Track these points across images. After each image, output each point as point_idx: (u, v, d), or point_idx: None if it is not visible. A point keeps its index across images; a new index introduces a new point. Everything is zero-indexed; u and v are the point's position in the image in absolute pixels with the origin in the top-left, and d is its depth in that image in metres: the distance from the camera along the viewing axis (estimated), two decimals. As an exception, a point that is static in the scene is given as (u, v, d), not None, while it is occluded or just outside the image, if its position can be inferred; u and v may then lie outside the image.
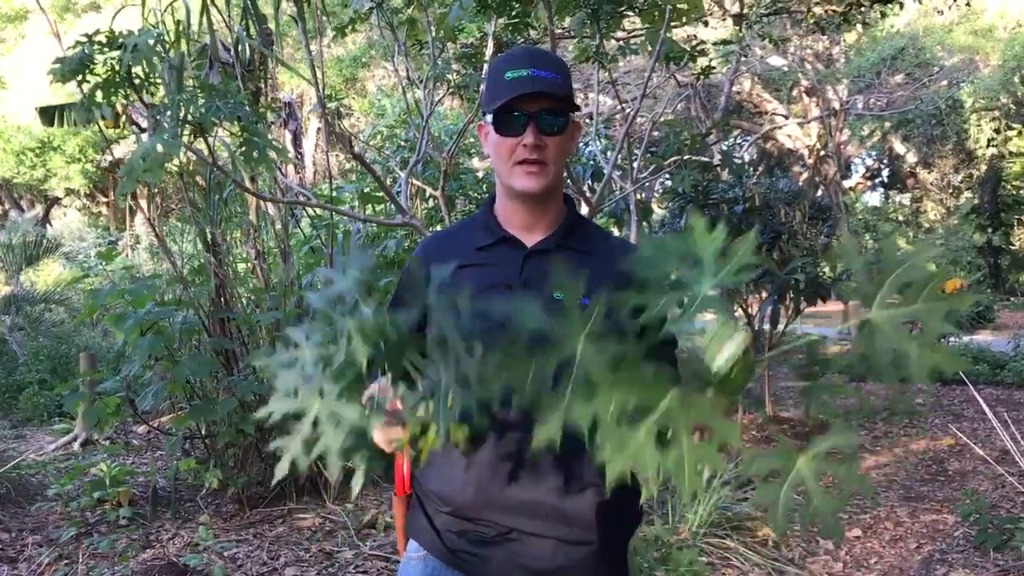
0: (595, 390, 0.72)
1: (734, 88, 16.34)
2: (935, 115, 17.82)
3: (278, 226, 4.70)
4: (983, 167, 17.84)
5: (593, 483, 1.27)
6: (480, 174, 7.03)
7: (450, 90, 4.66)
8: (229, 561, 3.55)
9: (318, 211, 4.95)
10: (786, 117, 18.85)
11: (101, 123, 4.29)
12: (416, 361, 0.88)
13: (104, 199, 20.56)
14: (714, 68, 4.70)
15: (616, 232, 6.27)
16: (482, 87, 1.36)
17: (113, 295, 4.17)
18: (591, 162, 5.68)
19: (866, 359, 0.68)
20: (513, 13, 3.66)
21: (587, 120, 6.45)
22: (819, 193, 18.54)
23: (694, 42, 4.13)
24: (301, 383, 0.85)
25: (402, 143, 7.13)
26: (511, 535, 1.26)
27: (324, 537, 3.88)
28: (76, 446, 5.76)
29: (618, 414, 0.72)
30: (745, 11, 6.24)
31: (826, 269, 5.82)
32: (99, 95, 2.36)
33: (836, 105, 17.94)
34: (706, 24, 5.01)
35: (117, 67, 2.32)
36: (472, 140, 6.18)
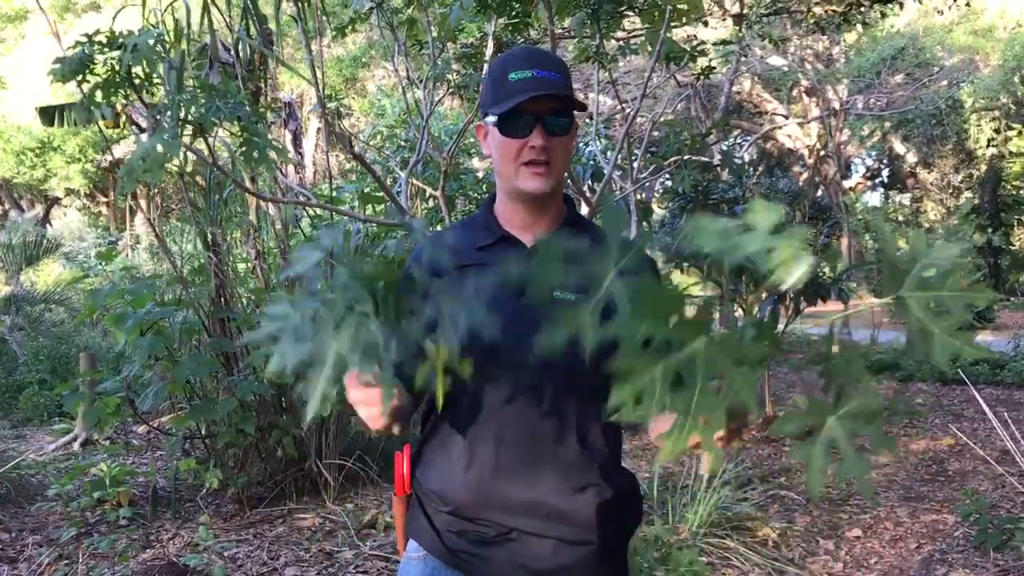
0: (624, 315, 0.72)
1: (734, 88, 16.35)
2: (935, 115, 17.83)
3: (278, 226, 4.70)
4: (983, 167, 17.84)
5: (593, 483, 1.27)
6: (480, 174, 7.04)
7: (450, 90, 4.67)
8: (229, 561, 3.55)
9: (318, 211, 4.95)
10: (786, 117, 18.86)
11: (101, 123, 4.29)
12: (415, 303, 0.90)
13: (104, 199, 20.57)
14: (714, 68, 4.70)
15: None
16: (482, 87, 1.36)
17: (113, 295, 4.17)
18: (591, 162, 5.68)
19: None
20: (513, 13, 3.66)
21: (587, 120, 6.44)
22: (819, 193, 18.56)
23: (694, 42, 4.13)
24: (304, 330, 0.88)
25: (402, 143, 7.13)
26: (511, 535, 1.26)
27: (324, 537, 3.88)
28: (76, 446, 5.76)
29: (641, 343, 0.71)
30: (745, 11, 6.24)
31: (826, 269, 5.82)
32: (99, 95, 2.36)
33: (836, 105, 17.95)
34: (706, 24, 5.02)
35: (117, 67, 2.32)
36: (472, 140, 6.18)
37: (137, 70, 2.39)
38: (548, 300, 1.26)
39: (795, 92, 19.27)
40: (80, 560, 3.48)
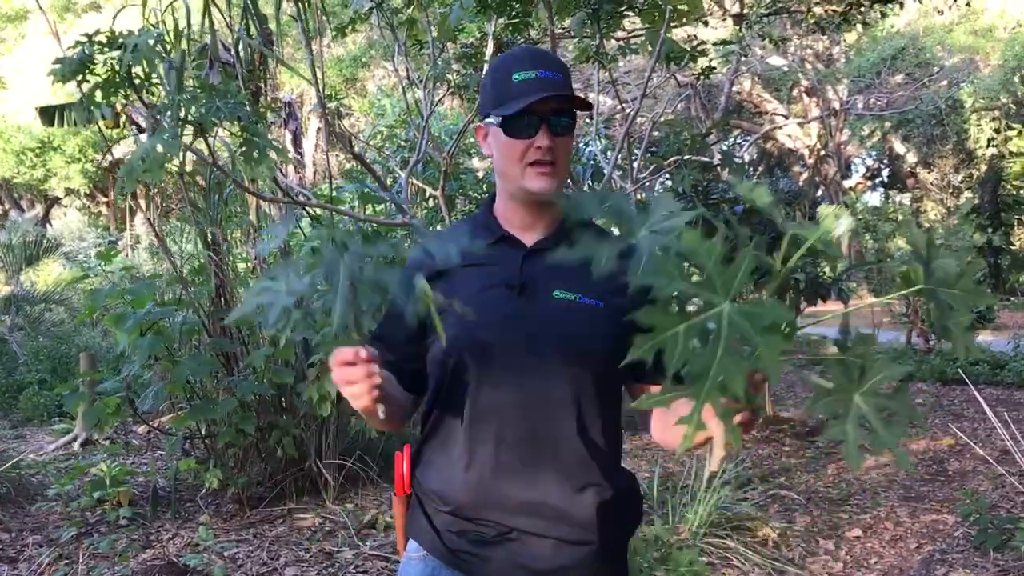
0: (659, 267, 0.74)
1: (734, 88, 16.34)
2: (935, 115, 17.82)
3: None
4: (983, 167, 17.84)
5: (593, 483, 1.27)
6: (480, 174, 7.04)
7: (450, 90, 4.67)
8: (229, 561, 3.55)
9: (318, 211, 4.95)
10: (786, 117, 18.86)
11: (101, 123, 4.28)
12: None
13: (104, 199, 20.56)
14: (714, 68, 4.70)
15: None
16: (481, 88, 1.36)
17: (113, 295, 4.17)
18: (591, 162, 5.68)
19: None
20: (513, 13, 3.66)
21: (587, 120, 6.44)
22: (819, 193, 18.56)
23: (694, 42, 4.13)
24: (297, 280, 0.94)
25: (402, 143, 7.13)
26: (511, 535, 1.26)
27: (324, 537, 3.88)
28: (76, 446, 5.76)
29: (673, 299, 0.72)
30: (745, 11, 6.25)
31: (826, 269, 5.82)
32: (99, 95, 2.36)
33: (836, 105, 17.95)
34: (706, 24, 5.02)
35: (117, 67, 2.32)
36: (472, 140, 6.18)
37: (137, 70, 2.39)
38: (548, 299, 1.27)
39: (795, 92, 19.27)
40: (80, 560, 3.48)
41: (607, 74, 4.06)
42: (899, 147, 19.80)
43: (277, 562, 3.57)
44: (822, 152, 18.82)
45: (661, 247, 0.77)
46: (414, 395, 1.39)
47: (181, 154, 2.41)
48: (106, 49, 2.31)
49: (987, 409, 3.27)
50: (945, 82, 18.19)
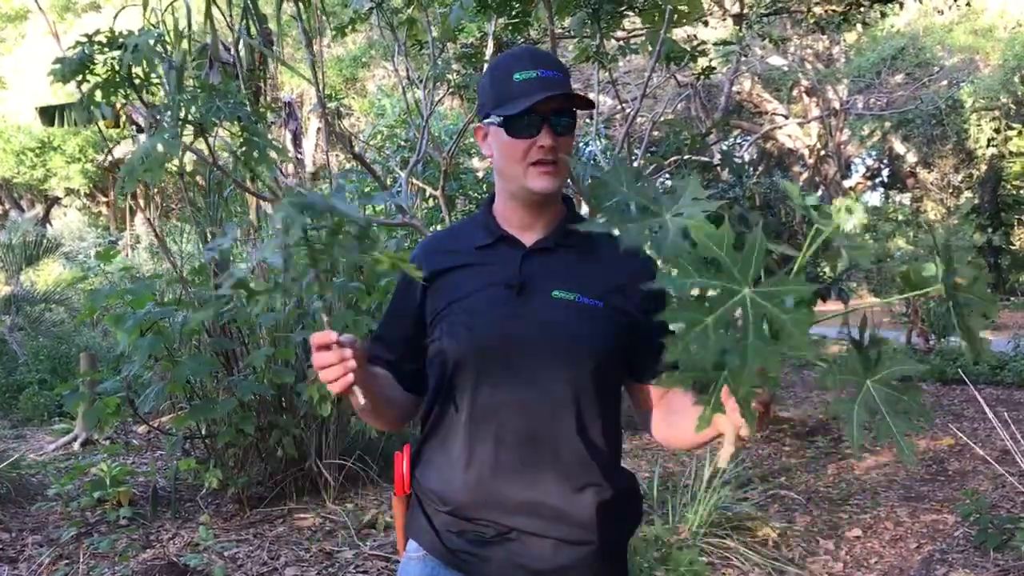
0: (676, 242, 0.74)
1: (734, 88, 16.34)
2: (935, 115, 17.81)
3: (278, 226, 4.69)
4: (983, 167, 17.83)
5: (593, 483, 1.27)
6: (480, 174, 7.04)
7: (450, 90, 4.67)
8: (229, 561, 3.55)
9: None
10: (786, 117, 18.85)
11: (101, 123, 4.28)
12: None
13: (104, 199, 20.57)
14: (714, 68, 4.70)
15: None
16: (481, 88, 1.36)
17: (113, 295, 4.17)
18: (591, 162, 5.68)
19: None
20: (513, 13, 3.66)
21: (587, 120, 6.44)
22: (819, 193, 18.54)
23: (694, 42, 4.13)
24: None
25: (402, 143, 7.14)
26: (510, 535, 1.26)
27: (324, 537, 3.88)
28: (76, 446, 5.76)
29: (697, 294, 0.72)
30: (745, 11, 6.25)
31: (826, 269, 5.82)
32: (99, 95, 2.36)
33: (836, 105, 17.94)
34: (706, 24, 5.02)
35: (117, 67, 2.32)
36: (472, 140, 6.18)
37: (137, 70, 2.39)
38: (547, 299, 1.27)
39: (795, 92, 19.26)
40: (80, 560, 3.48)
41: (607, 74, 4.06)
42: (899, 147, 19.80)
43: (277, 562, 3.57)
44: (822, 152, 18.82)
45: (672, 245, 0.76)
46: (415, 395, 1.39)
47: (181, 154, 2.41)
48: (106, 49, 2.31)
49: (987, 409, 3.27)
50: (945, 82, 18.19)
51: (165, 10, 3.49)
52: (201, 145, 2.66)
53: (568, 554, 1.26)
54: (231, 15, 3.82)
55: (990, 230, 16.90)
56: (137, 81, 2.39)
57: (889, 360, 0.77)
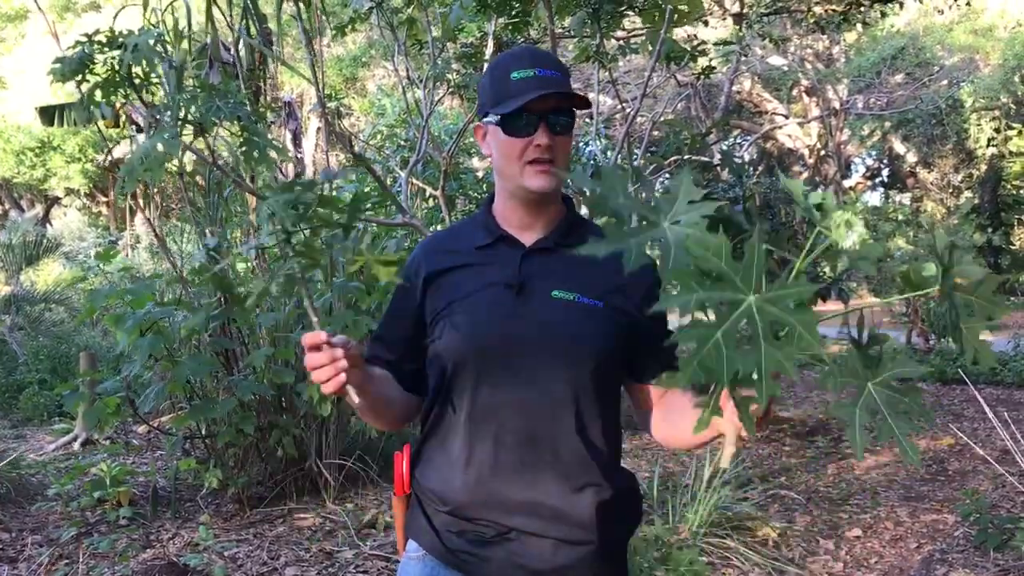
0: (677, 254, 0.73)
1: (734, 88, 16.35)
2: (935, 115, 17.81)
3: (278, 226, 4.69)
4: (983, 167, 17.83)
5: (593, 483, 1.27)
6: (480, 174, 7.04)
7: (450, 90, 4.66)
8: (229, 561, 3.55)
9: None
10: (786, 117, 18.86)
11: (101, 123, 4.28)
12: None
13: (104, 199, 20.57)
14: (714, 68, 4.70)
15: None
16: (480, 88, 1.36)
17: (113, 295, 4.17)
18: (591, 162, 5.68)
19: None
20: (513, 13, 3.66)
21: (587, 120, 6.44)
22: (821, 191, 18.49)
23: (694, 42, 4.13)
24: None
25: (402, 143, 7.13)
26: (510, 535, 1.26)
27: (324, 537, 3.88)
28: (76, 446, 5.76)
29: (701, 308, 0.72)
30: (745, 11, 6.24)
31: (826, 269, 5.83)
32: (99, 95, 2.36)
33: (836, 105, 17.94)
34: (706, 24, 5.02)
35: (117, 67, 2.32)
36: (472, 140, 6.18)
37: (137, 70, 2.38)
38: (547, 299, 1.27)
39: (795, 92, 19.26)
40: (80, 560, 3.48)
41: (607, 74, 4.06)
42: (899, 147, 19.80)
43: (277, 562, 3.57)
44: (822, 152, 18.82)
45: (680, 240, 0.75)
46: (415, 395, 1.39)
47: (181, 154, 2.41)
48: (106, 49, 2.31)
49: (987, 409, 3.27)
50: (945, 82, 18.19)
51: (165, 10, 3.49)
52: (201, 145, 2.66)
53: (568, 554, 1.26)
54: (231, 15, 3.82)
55: (990, 230, 16.90)
56: (137, 81, 2.39)
57: (890, 361, 0.77)
